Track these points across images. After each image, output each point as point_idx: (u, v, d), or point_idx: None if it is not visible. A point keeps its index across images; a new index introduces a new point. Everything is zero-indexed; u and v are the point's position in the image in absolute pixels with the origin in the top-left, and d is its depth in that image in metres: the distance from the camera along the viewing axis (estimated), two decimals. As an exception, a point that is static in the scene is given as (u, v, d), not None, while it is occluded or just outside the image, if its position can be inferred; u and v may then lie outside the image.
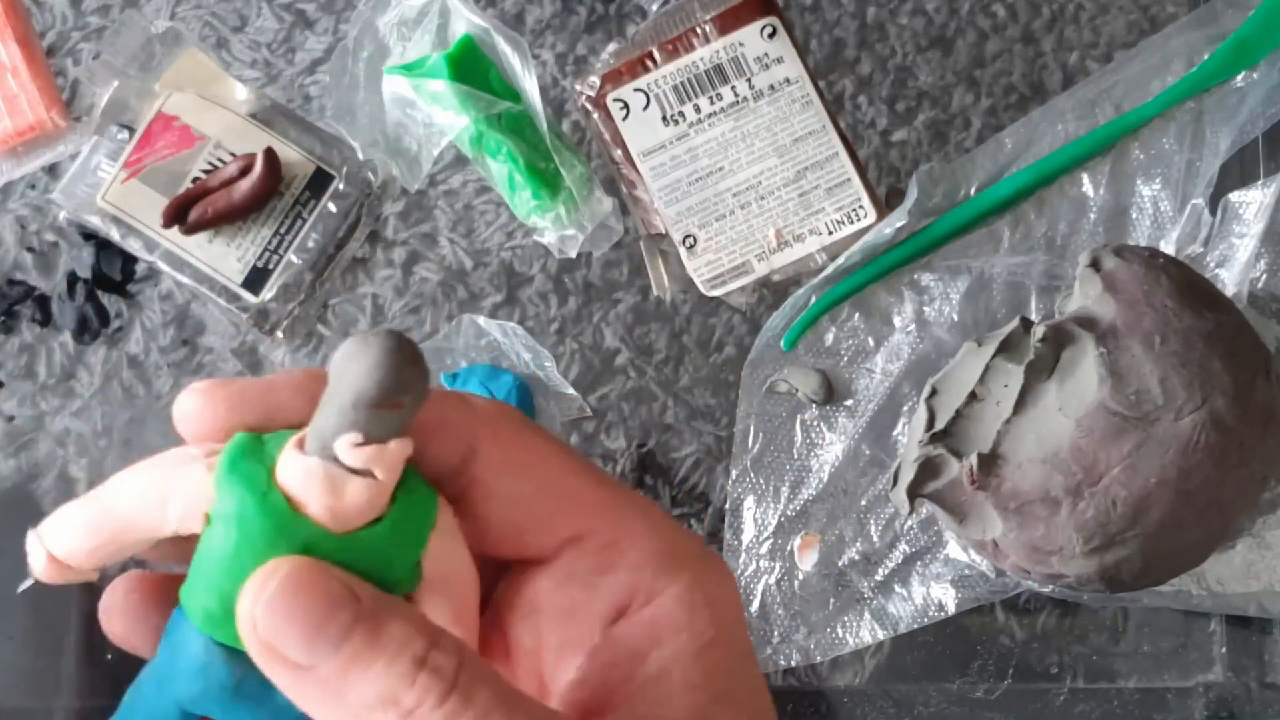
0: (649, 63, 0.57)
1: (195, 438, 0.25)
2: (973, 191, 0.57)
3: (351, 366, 0.23)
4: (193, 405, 0.25)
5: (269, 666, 0.23)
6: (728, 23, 0.57)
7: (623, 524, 0.26)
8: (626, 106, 0.57)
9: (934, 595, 0.56)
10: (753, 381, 0.58)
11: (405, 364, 0.23)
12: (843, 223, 0.57)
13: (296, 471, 0.23)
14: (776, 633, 0.57)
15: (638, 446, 0.59)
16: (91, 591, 0.59)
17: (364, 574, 0.24)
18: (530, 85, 0.55)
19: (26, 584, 0.27)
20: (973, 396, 0.50)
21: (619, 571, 0.26)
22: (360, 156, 0.57)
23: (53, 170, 0.60)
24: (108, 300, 0.60)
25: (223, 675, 0.24)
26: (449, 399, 0.26)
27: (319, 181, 0.58)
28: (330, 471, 0.23)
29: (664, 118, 0.57)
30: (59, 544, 0.26)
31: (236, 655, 0.24)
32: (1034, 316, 0.56)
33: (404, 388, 0.23)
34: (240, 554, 0.24)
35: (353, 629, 0.23)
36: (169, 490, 0.25)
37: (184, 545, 0.25)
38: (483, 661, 0.24)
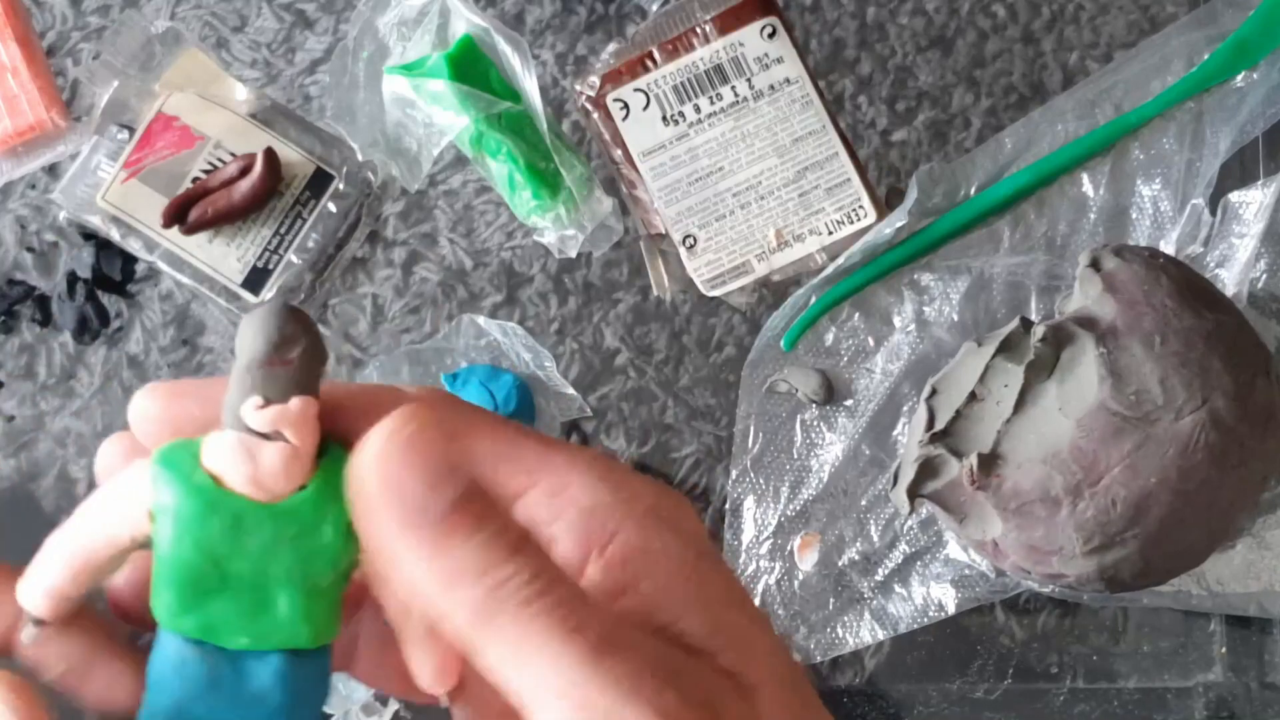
0: (649, 63, 0.57)
1: (149, 439, 0.26)
2: (973, 191, 0.57)
3: (243, 335, 0.25)
4: (142, 405, 0.26)
5: (372, 528, 0.24)
6: (728, 23, 0.57)
7: (563, 471, 0.27)
8: (626, 106, 0.57)
9: (934, 595, 0.56)
10: (753, 381, 0.58)
11: (287, 321, 0.24)
12: (843, 223, 0.57)
13: (216, 448, 0.25)
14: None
15: (638, 446, 0.59)
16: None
17: (297, 541, 0.25)
18: (530, 85, 0.55)
19: (31, 633, 0.27)
20: (973, 396, 0.50)
21: (569, 518, 0.26)
22: (360, 156, 0.57)
23: (53, 170, 0.60)
24: (108, 300, 0.60)
25: (196, 671, 0.25)
26: (381, 387, 0.27)
27: (319, 181, 0.58)
28: (244, 440, 0.24)
29: (664, 118, 0.57)
30: (41, 582, 0.26)
31: (207, 650, 0.25)
32: (1034, 316, 0.56)
33: (288, 343, 0.24)
34: (179, 540, 0.25)
35: (471, 498, 0.24)
36: (119, 499, 0.26)
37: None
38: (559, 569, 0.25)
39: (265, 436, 0.24)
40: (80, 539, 0.26)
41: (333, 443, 0.26)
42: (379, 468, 0.24)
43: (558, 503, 0.26)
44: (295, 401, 0.24)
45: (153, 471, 0.25)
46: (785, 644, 0.28)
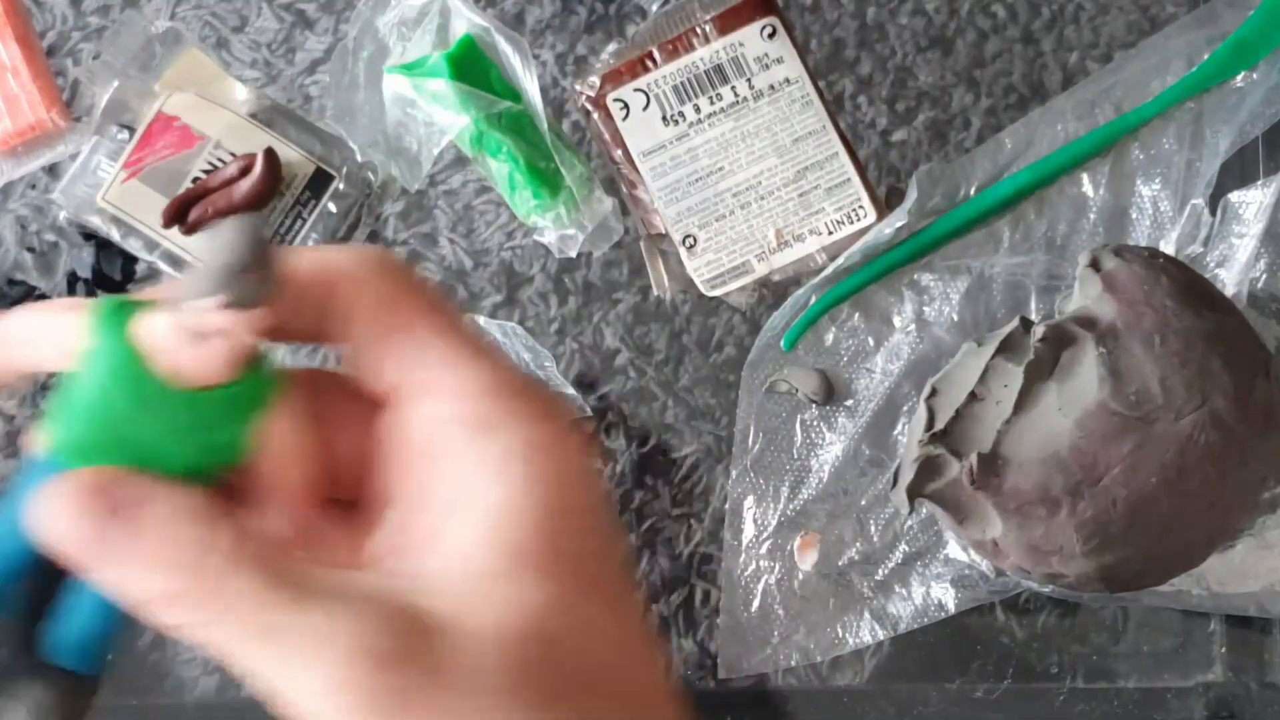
0: (649, 63, 0.57)
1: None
2: (973, 191, 0.57)
3: (223, 235, 0.26)
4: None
5: (73, 556, 0.26)
6: (728, 23, 0.57)
7: (464, 374, 0.27)
8: (626, 106, 0.57)
9: (934, 595, 0.56)
10: (753, 381, 0.58)
11: (251, 237, 0.26)
12: (843, 223, 0.57)
13: (154, 325, 0.26)
14: (776, 633, 0.57)
15: (638, 446, 0.59)
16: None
17: (191, 431, 0.26)
18: (530, 85, 0.55)
19: None
20: (973, 396, 0.50)
21: (456, 421, 0.27)
22: (360, 157, 0.57)
23: (53, 170, 0.60)
24: (108, 300, 0.60)
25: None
26: (316, 252, 0.29)
27: (319, 181, 0.58)
28: (183, 326, 0.26)
29: (664, 118, 0.57)
30: None
31: None
32: (1034, 316, 0.56)
33: (263, 257, 0.26)
34: (89, 391, 0.26)
35: (109, 535, 0.25)
36: (47, 330, 0.27)
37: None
38: (257, 547, 0.26)
39: (208, 334, 0.26)
40: (5, 345, 0.28)
41: (260, 355, 0.27)
42: (52, 523, 0.26)
43: (453, 405, 0.27)
44: (251, 312, 0.26)
45: (89, 321, 0.26)
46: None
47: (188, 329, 0.26)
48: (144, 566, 0.26)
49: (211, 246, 0.26)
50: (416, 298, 0.28)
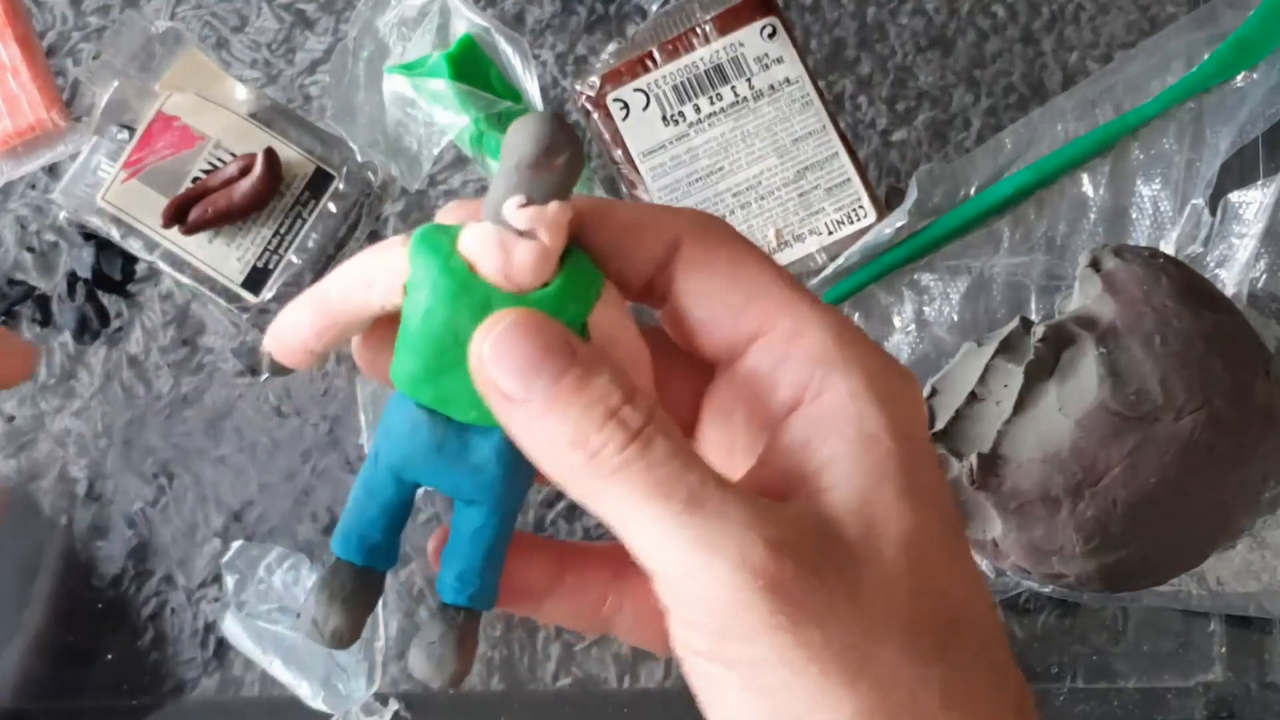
0: (649, 63, 0.57)
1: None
2: (973, 191, 0.57)
3: (512, 137, 0.27)
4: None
5: (490, 398, 0.26)
6: (728, 23, 0.57)
7: (802, 319, 0.28)
8: (626, 106, 0.57)
9: (934, 595, 0.56)
10: (753, 381, 0.58)
11: (556, 129, 0.26)
12: (843, 223, 0.57)
13: (473, 237, 0.27)
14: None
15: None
16: (89, 590, 0.59)
17: None
18: (531, 85, 0.55)
19: (264, 375, 0.31)
20: (973, 396, 0.50)
21: (794, 364, 0.27)
22: (360, 157, 0.57)
23: (53, 170, 0.60)
24: (108, 300, 0.60)
25: (426, 436, 0.27)
26: (655, 207, 0.29)
27: (319, 181, 0.58)
28: (501, 234, 0.26)
29: (664, 118, 0.57)
30: (289, 336, 0.29)
31: (438, 418, 0.27)
32: (1034, 316, 0.56)
33: (556, 149, 0.26)
34: (431, 315, 0.27)
35: (563, 374, 0.25)
36: (373, 271, 0.28)
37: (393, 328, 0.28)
38: (670, 422, 0.26)
39: (520, 234, 0.26)
40: (332, 300, 0.28)
41: (576, 249, 0.28)
42: (480, 369, 0.26)
43: (788, 347, 0.28)
44: (553, 205, 0.26)
45: (412, 249, 0.27)
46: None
47: (499, 235, 0.26)
48: (579, 407, 0.25)
49: (509, 140, 0.27)
50: (744, 250, 0.28)
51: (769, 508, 0.25)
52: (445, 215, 0.28)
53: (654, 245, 0.28)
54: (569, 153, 0.27)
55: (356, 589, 0.28)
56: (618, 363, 0.27)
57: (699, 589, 0.24)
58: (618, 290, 0.28)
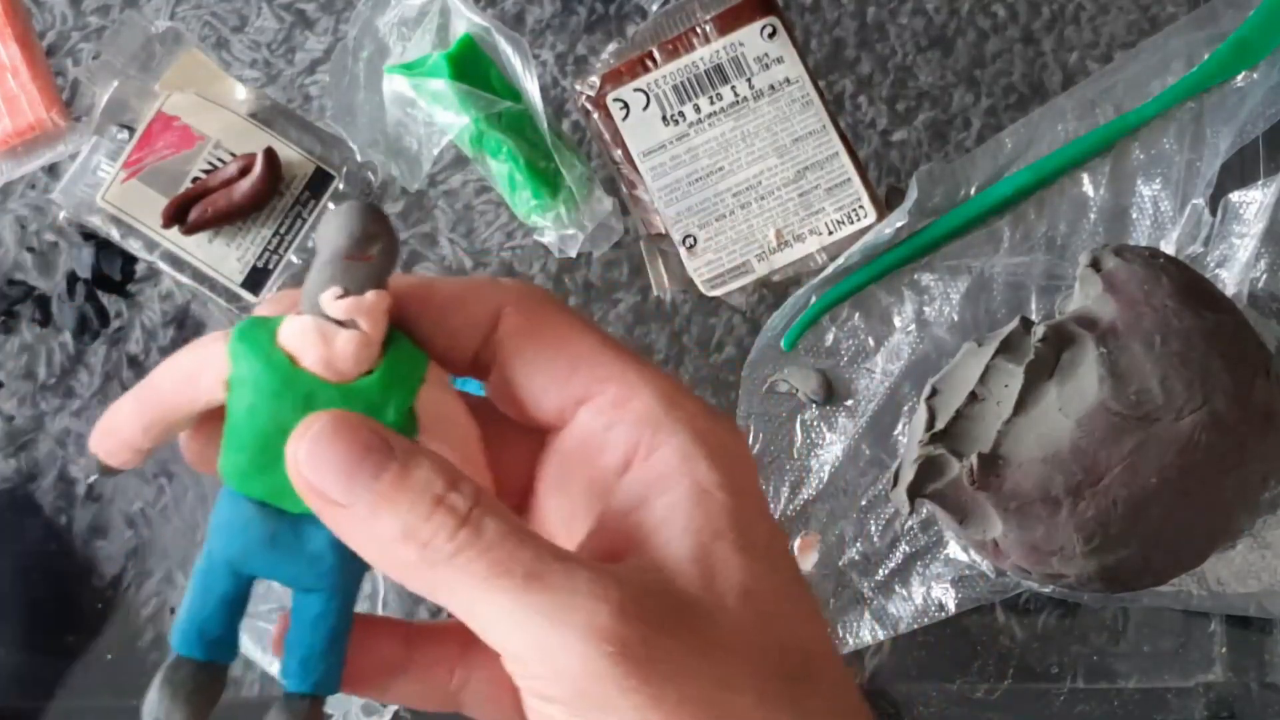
0: (649, 63, 0.57)
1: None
2: (973, 191, 0.57)
3: (325, 228, 0.27)
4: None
5: (311, 503, 0.26)
6: (728, 23, 0.57)
7: (629, 383, 0.28)
8: (626, 106, 0.57)
9: (934, 595, 0.56)
10: (753, 381, 0.58)
11: (369, 220, 0.26)
12: (843, 223, 0.57)
13: (293, 330, 0.27)
14: (776, 633, 0.57)
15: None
16: (89, 590, 0.59)
17: None
18: (530, 85, 0.55)
19: (93, 477, 0.30)
20: (973, 396, 0.50)
21: (624, 426, 0.28)
22: (360, 157, 0.57)
23: (53, 170, 0.60)
24: (108, 300, 0.60)
25: (259, 530, 0.27)
26: (476, 281, 0.29)
27: (319, 181, 0.58)
28: (320, 325, 0.26)
29: (664, 118, 0.57)
30: (114, 435, 0.29)
31: (270, 511, 0.27)
32: (1034, 316, 0.56)
33: (369, 239, 0.26)
34: (255, 411, 0.27)
35: (382, 471, 0.25)
36: (195, 367, 0.28)
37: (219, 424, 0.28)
38: (496, 501, 0.26)
39: (340, 323, 0.27)
40: (156, 399, 0.28)
41: (398, 332, 0.28)
42: (299, 475, 0.26)
43: (618, 412, 0.28)
44: (370, 294, 0.27)
45: (232, 345, 0.27)
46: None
47: (319, 326, 0.26)
48: (404, 502, 0.25)
49: (324, 231, 0.27)
50: (567, 318, 0.29)
51: (610, 572, 0.25)
52: (265, 308, 0.28)
53: (477, 318, 0.28)
54: (383, 242, 0.27)
55: (200, 685, 0.28)
56: (442, 446, 0.27)
57: (550, 664, 0.24)
58: (442, 370, 0.28)
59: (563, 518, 0.29)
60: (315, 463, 0.25)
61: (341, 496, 0.25)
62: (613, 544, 0.27)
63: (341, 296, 0.26)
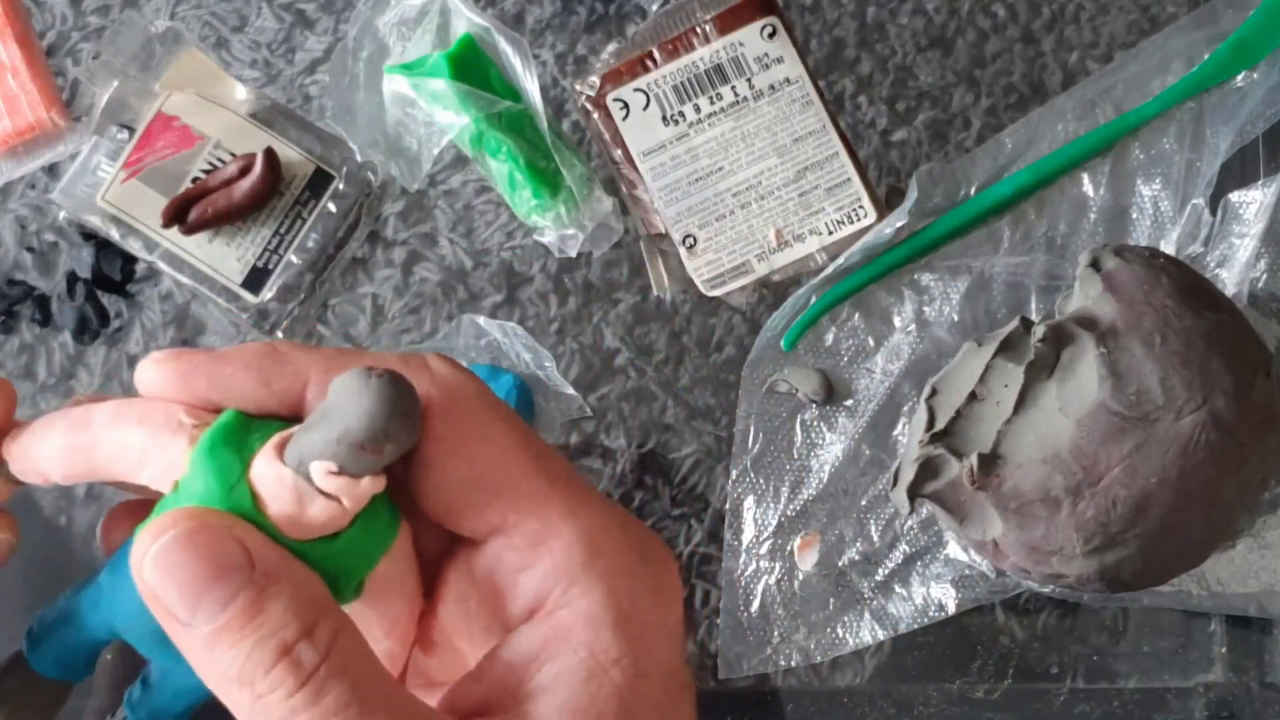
0: (649, 63, 0.57)
1: (157, 411, 0.26)
2: (973, 191, 0.57)
3: (348, 404, 0.24)
4: (149, 376, 0.26)
5: (150, 606, 0.24)
6: (728, 23, 0.57)
7: (550, 521, 0.26)
8: (626, 106, 0.57)
9: (934, 595, 0.56)
10: (753, 381, 0.58)
11: (397, 416, 0.24)
12: (843, 223, 0.57)
13: (269, 476, 0.24)
14: (776, 633, 0.57)
15: (638, 446, 0.59)
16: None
17: None
18: (530, 85, 0.55)
19: (4, 486, 0.28)
20: (973, 396, 0.50)
21: (537, 573, 0.25)
22: (360, 157, 0.57)
23: (53, 170, 0.60)
24: (108, 300, 0.60)
25: (153, 623, 0.25)
26: (411, 366, 0.26)
27: (319, 181, 0.58)
28: (300, 486, 0.24)
29: (664, 118, 0.57)
30: (34, 461, 0.27)
31: None
32: (1034, 316, 0.56)
33: (390, 438, 0.24)
34: None
35: (231, 600, 0.23)
36: (151, 453, 0.25)
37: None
38: (355, 660, 0.23)
39: (322, 492, 0.24)
40: (89, 460, 0.26)
41: (381, 494, 0.25)
42: (140, 580, 0.23)
43: (531, 554, 0.26)
44: (367, 481, 0.24)
45: (198, 457, 0.25)
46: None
47: (298, 487, 0.24)
48: (248, 642, 0.23)
49: (344, 403, 0.24)
50: (498, 427, 0.26)
51: None
52: (154, 370, 0.25)
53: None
54: (403, 440, 0.24)
55: (49, 699, 0.27)
56: (372, 611, 0.25)
57: None
58: (409, 534, 0.26)
59: (458, 626, 0.27)
60: (163, 570, 0.23)
61: (183, 614, 0.23)
62: (489, 694, 0.25)
63: (335, 474, 0.24)
